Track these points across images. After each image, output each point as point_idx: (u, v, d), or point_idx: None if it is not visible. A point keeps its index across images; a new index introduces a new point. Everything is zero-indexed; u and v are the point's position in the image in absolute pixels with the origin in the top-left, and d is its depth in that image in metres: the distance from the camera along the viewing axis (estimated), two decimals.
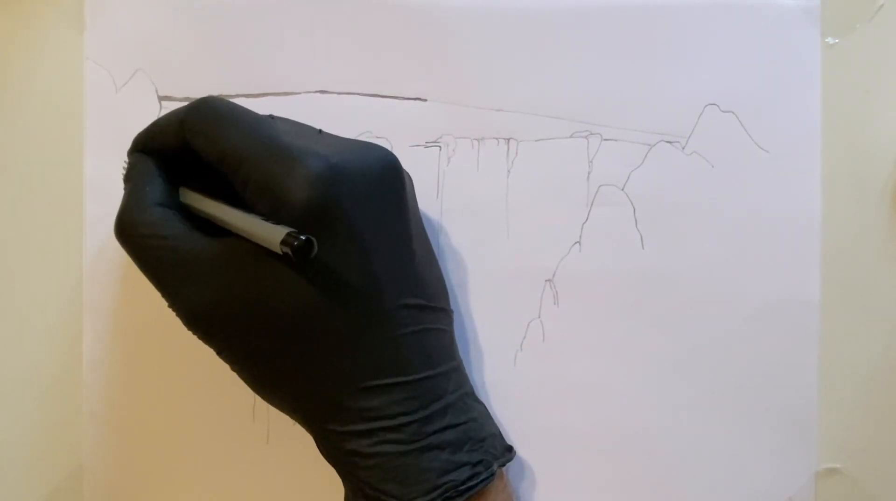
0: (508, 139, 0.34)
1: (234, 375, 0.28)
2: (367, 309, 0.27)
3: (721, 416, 0.33)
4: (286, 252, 0.24)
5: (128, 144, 0.29)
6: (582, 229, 0.33)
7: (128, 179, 0.29)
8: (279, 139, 0.26)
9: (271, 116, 0.30)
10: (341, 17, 0.34)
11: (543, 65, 0.33)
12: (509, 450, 0.30)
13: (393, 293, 0.27)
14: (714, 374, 0.33)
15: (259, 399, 0.32)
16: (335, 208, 0.26)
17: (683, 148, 0.33)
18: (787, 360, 0.33)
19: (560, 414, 0.33)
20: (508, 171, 0.34)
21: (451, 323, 0.31)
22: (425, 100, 0.34)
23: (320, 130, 0.30)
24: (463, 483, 0.27)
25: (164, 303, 0.28)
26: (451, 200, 0.34)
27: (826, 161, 0.33)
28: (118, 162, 0.30)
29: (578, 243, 0.33)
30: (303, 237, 0.24)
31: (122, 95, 0.34)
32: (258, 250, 0.26)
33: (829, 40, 0.33)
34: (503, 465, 0.30)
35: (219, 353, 0.28)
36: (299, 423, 0.29)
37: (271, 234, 0.24)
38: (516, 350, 0.33)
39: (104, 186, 0.34)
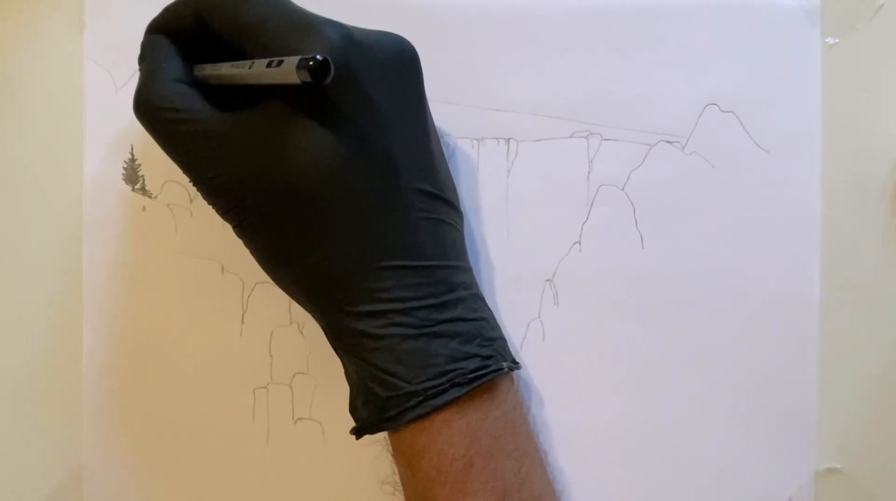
0: (508, 139, 0.34)
1: (235, 375, 0.28)
2: (383, 185, 0.27)
3: (721, 416, 0.33)
4: (305, 81, 0.23)
5: (128, 145, 0.29)
6: (582, 229, 0.33)
7: (143, 59, 0.29)
8: (297, 8, 0.27)
9: None
10: (341, 17, 0.34)
11: (543, 65, 0.33)
12: (516, 363, 0.30)
13: (408, 174, 0.27)
14: (714, 374, 0.33)
15: (259, 400, 0.32)
16: (354, 75, 0.26)
17: (683, 148, 0.33)
18: (787, 360, 0.33)
19: (560, 414, 0.33)
20: (508, 171, 0.34)
21: (461, 224, 0.31)
22: None
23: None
24: (472, 371, 0.27)
25: (164, 303, 0.28)
26: None
27: (826, 161, 0.33)
28: (118, 162, 0.30)
29: (578, 243, 0.33)
30: (319, 58, 0.23)
31: (122, 95, 0.34)
32: (278, 120, 0.26)
33: (829, 40, 0.33)
34: (512, 370, 0.29)
35: (235, 226, 0.28)
36: (307, 308, 0.29)
37: (286, 65, 0.24)
38: (516, 350, 0.33)
39: (104, 186, 0.34)
